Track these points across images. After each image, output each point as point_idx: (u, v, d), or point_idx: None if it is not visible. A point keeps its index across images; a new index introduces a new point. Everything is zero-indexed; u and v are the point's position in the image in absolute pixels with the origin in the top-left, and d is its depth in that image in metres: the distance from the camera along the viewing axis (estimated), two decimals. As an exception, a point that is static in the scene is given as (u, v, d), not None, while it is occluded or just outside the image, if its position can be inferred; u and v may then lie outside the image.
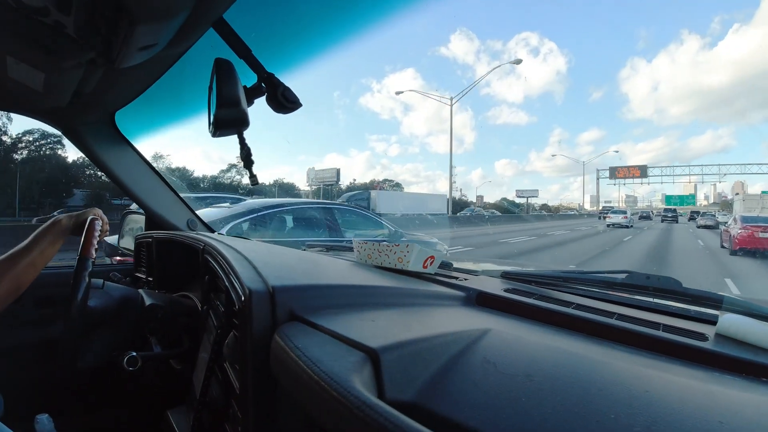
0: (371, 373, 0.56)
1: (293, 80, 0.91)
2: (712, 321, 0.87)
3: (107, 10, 0.77)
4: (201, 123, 1.65)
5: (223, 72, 0.79)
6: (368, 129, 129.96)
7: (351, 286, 0.89)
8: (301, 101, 0.90)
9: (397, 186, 62.42)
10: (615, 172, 75.58)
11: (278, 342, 0.67)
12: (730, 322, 0.81)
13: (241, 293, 0.78)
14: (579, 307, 0.95)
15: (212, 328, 1.02)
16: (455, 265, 1.37)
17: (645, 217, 43.53)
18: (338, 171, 50.83)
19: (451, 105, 34.73)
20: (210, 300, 1.13)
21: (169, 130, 1.96)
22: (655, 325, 0.84)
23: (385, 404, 0.45)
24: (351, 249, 1.60)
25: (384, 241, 1.25)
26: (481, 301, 1.01)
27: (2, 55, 1.04)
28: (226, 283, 0.92)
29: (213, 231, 1.96)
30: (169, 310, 1.28)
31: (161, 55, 0.97)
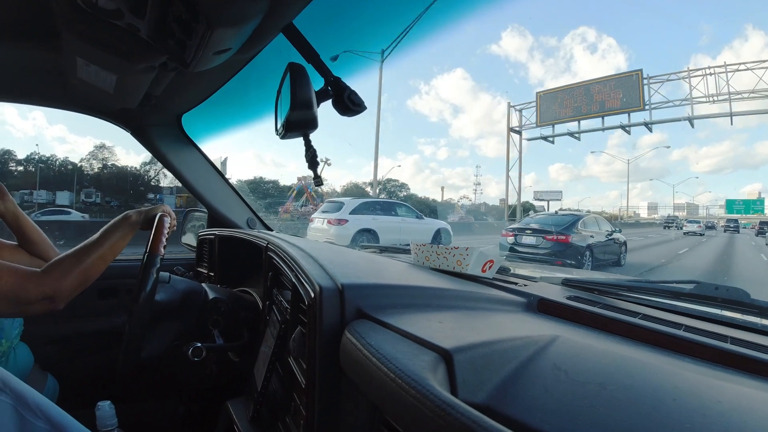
0: (444, 373, 0.56)
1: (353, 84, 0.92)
2: None
3: (183, 15, 0.80)
4: (262, 125, 1.73)
5: (297, 76, 0.82)
6: (416, 132, 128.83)
7: (415, 287, 0.90)
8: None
9: (403, 187, 57.74)
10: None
11: (349, 338, 0.68)
12: None
13: (310, 290, 0.81)
14: (646, 317, 0.92)
15: (276, 322, 1.05)
16: (512, 270, 1.36)
17: (710, 227, 42.26)
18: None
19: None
20: (272, 296, 1.17)
21: (231, 132, 2.04)
22: (723, 338, 0.83)
23: (466, 405, 0.45)
24: (403, 251, 1.62)
25: (441, 244, 1.25)
26: (543, 307, 1.00)
27: (72, 57, 1.09)
28: (293, 280, 0.94)
29: (271, 229, 2.02)
30: (231, 304, 1.33)
31: (231, 60, 1.00)
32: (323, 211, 10.58)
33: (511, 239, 8.83)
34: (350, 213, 10.00)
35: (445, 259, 1.20)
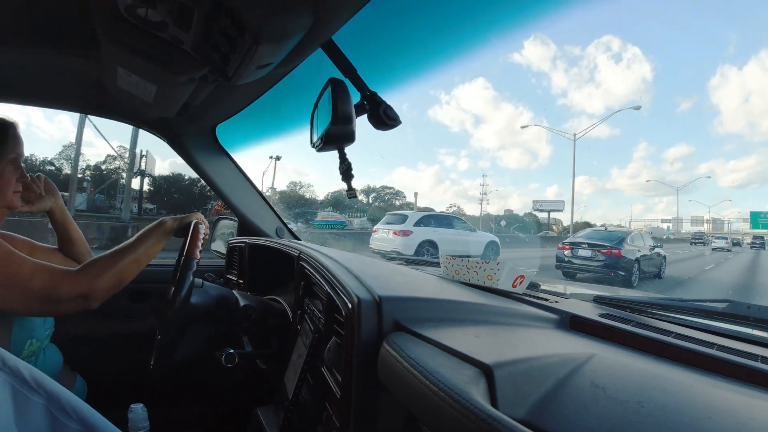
0: (485, 387, 0.57)
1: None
2: None
3: (228, 29, 0.82)
4: (292, 136, 1.76)
5: (339, 91, 0.83)
6: (437, 142, 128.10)
7: (450, 301, 0.90)
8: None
9: (398, 194, 55.37)
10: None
11: (388, 350, 0.69)
12: None
13: (347, 301, 0.82)
14: (678, 336, 0.93)
15: (308, 332, 1.06)
16: (542, 286, 1.36)
17: (736, 243, 40.97)
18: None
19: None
20: (304, 305, 1.18)
21: (262, 143, 2.08)
22: (755, 357, 0.83)
23: (511, 419, 0.46)
24: (429, 263, 1.63)
25: (470, 257, 1.25)
26: (576, 325, 1.00)
27: (113, 66, 1.12)
28: (328, 291, 0.96)
29: (299, 239, 2.04)
30: (261, 312, 1.35)
31: (270, 73, 1.03)
32: (387, 223, 11.33)
33: (568, 252, 9.50)
34: (414, 225, 10.75)
35: (475, 273, 1.19)
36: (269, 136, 1.97)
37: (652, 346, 0.89)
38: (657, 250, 10.48)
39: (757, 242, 38.22)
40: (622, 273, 8.68)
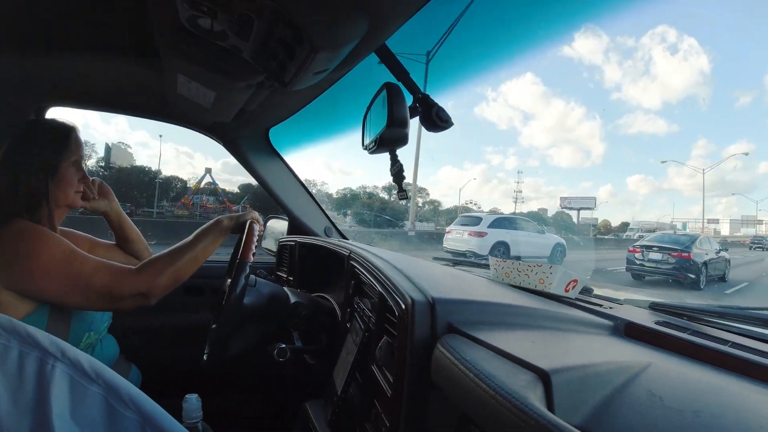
0: (542, 393, 0.57)
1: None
2: None
3: (287, 38, 0.84)
4: (343, 137, 1.79)
5: (394, 94, 0.84)
6: (484, 140, 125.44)
7: (503, 305, 0.90)
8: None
9: (421, 191, 51.70)
10: None
11: (443, 352, 0.70)
12: None
13: (401, 302, 0.83)
14: (735, 345, 0.91)
15: (358, 330, 1.08)
16: (595, 291, 1.33)
17: None
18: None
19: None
20: (354, 303, 1.20)
21: (313, 144, 2.14)
22: None
23: (571, 426, 0.46)
24: (477, 265, 1.62)
25: (520, 260, 1.24)
26: (630, 332, 0.98)
27: (173, 74, 1.17)
28: (380, 290, 0.97)
29: (346, 239, 2.08)
30: (311, 309, 1.38)
31: (324, 78, 1.06)
32: (462, 224, 11.87)
33: (639, 255, 9.85)
34: (488, 227, 11.33)
35: (526, 276, 1.18)
36: (320, 138, 2.03)
37: (709, 356, 0.87)
38: (722, 254, 10.77)
39: None
40: (692, 276, 9.06)
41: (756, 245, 35.43)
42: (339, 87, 1.26)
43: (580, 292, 1.21)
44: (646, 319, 1.05)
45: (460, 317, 0.80)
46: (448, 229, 12.41)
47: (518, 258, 10.63)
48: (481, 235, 11.20)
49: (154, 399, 0.70)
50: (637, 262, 9.90)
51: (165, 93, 1.36)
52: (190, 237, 1.27)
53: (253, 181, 1.99)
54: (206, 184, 31.70)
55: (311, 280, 1.75)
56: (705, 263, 9.52)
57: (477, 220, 11.78)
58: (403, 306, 0.81)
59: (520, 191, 62.51)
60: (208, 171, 33.32)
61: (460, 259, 1.76)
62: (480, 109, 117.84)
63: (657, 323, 1.02)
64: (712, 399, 0.63)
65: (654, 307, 1.18)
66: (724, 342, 0.92)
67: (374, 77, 0.93)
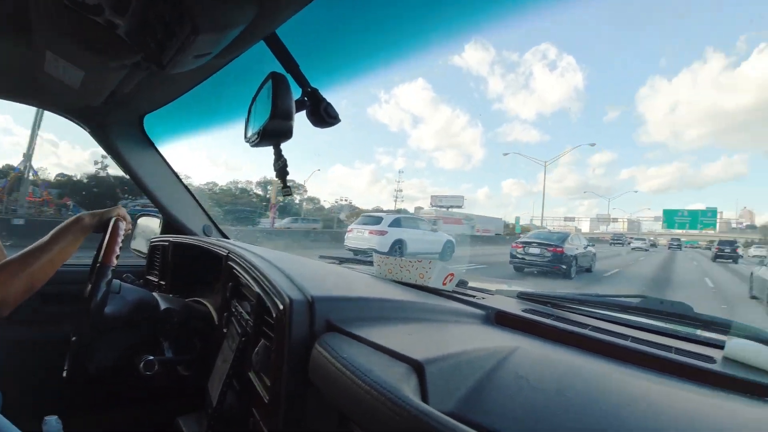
0: (416, 383, 0.58)
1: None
2: (719, 345, 0.94)
3: (167, 16, 0.78)
4: (225, 129, 1.68)
5: (279, 85, 0.81)
6: (375, 141, 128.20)
7: (383, 300, 0.91)
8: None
9: (299, 188, 50.43)
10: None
11: (320, 351, 0.68)
12: (737, 346, 0.88)
13: (279, 302, 0.80)
14: (595, 329, 1.00)
15: (235, 335, 1.02)
16: (470, 283, 1.41)
17: (653, 244, 45.63)
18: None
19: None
20: (231, 307, 1.14)
21: (193, 135, 1.98)
22: (668, 348, 0.90)
23: (441, 413, 0.47)
24: (363, 262, 1.64)
25: (403, 257, 1.28)
26: (500, 320, 1.05)
27: (41, 51, 1.04)
28: (258, 291, 0.93)
29: (227, 237, 1.97)
30: (184, 315, 1.29)
31: (207, 64, 0.99)
32: (363, 223, 12.46)
33: (520, 250, 11.08)
34: (388, 226, 12.03)
35: (408, 271, 1.23)
36: (201, 129, 1.87)
37: (571, 339, 0.95)
38: (589, 248, 12.66)
39: (675, 243, 42.53)
40: (564, 267, 10.45)
41: (615, 242, 41.87)
42: (226, 75, 1.19)
43: (457, 285, 1.28)
44: (514, 307, 1.13)
45: (340, 315, 0.79)
46: (349, 227, 12.93)
47: (414, 254, 11.44)
48: (381, 233, 11.81)
49: (18, 421, 0.60)
50: (519, 256, 11.14)
51: (30, 72, 1.19)
52: (46, 237, 1.14)
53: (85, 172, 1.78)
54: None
55: (186, 284, 1.63)
56: (575, 256, 10.95)
57: (378, 220, 12.36)
58: (281, 306, 0.79)
59: (401, 190, 65.06)
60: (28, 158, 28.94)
61: (347, 257, 1.76)
62: (373, 109, 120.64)
63: (524, 311, 1.10)
64: (573, 378, 0.68)
65: (522, 296, 1.27)
66: (585, 326, 1.02)
67: (265, 68, 0.89)
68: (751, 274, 8.67)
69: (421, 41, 1.11)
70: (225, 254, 1.28)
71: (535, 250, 10.86)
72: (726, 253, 24.37)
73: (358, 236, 12.15)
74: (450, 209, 50.79)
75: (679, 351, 0.90)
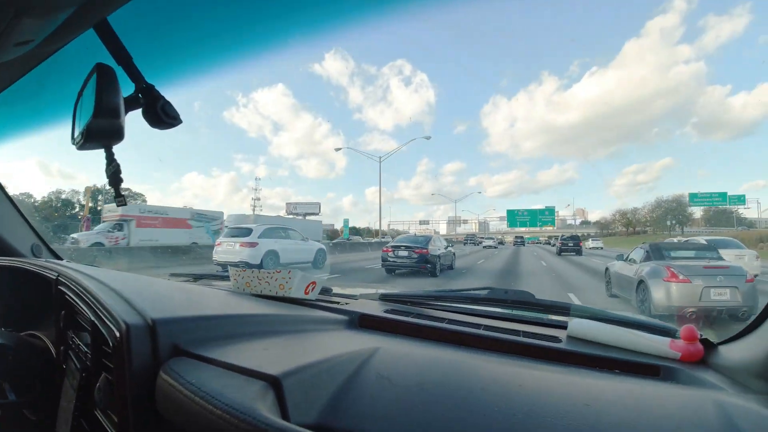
0: (274, 399, 0.56)
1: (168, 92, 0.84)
2: (562, 326, 1.05)
3: None
4: (54, 130, 1.43)
5: (104, 78, 0.71)
6: (234, 147, 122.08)
7: (236, 316, 0.86)
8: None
9: (137, 196, 48.15)
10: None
11: (166, 380, 0.62)
12: (577, 325, 1.01)
13: (114, 329, 0.71)
14: (451, 321, 1.07)
15: (74, 371, 0.90)
16: (334, 290, 1.43)
17: (500, 242, 51.20)
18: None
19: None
20: (67, 339, 1.01)
21: (15, 137, 1.65)
22: (516, 333, 1.00)
23: (298, 427, 0.47)
24: (221, 277, 1.58)
25: (262, 269, 1.24)
26: (364, 323, 1.08)
27: None
28: (92, 319, 0.82)
29: (60, 258, 1.71)
30: (20, 352, 1.12)
31: (30, 53, 0.84)
32: (231, 236, 11.94)
33: (391, 253, 11.74)
34: (259, 237, 11.65)
35: (267, 283, 1.19)
36: (25, 130, 1.58)
37: (430, 333, 1.01)
38: (449, 248, 13.67)
39: (519, 240, 48.95)
40: (430, 266, 11.28)
41: (469, 241, 46.60)
42: (52, 67, 1.02)
43: (320, 293, 1.28)
44: (377, 309, 1.17)
45: (188, 336, 0.73)
46: (218, 241, 12.39)
47: (286, 265, 11.55)
48: (252, 245, 11.40)
49: None
50: (390, 260, 11.74)
51: None
52: None
53: None
54: None
55: (18, 315, 1.39)
56: (439, 256, 11.81)
57: (247, 231, 11.93)
58: (118, 333, 0.69)
59: (258, 198, 63.43)
60: None
61: (203, 273, 1.67)
62: (230, 113, 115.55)
63: (386, 312, 1.14)
64: (433, 370, 0.71)
65: (383, 298, 1.32)
66: (442, 320, 1.08)
67: (98, 60, 0.77)
68: (606, 270, 7.85)
69: (278, 41, 1.06)
70: (54, 278, 1.12)
71: (404, 253, 11.54)
72: (570, 246, 25.48)
73: (227, 250, 11.63)
74: (306, 217, 51.02)
75: (527, 334, 0.99)
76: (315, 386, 0.61)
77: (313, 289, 1.21)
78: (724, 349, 0.90)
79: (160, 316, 0.72)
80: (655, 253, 6.31)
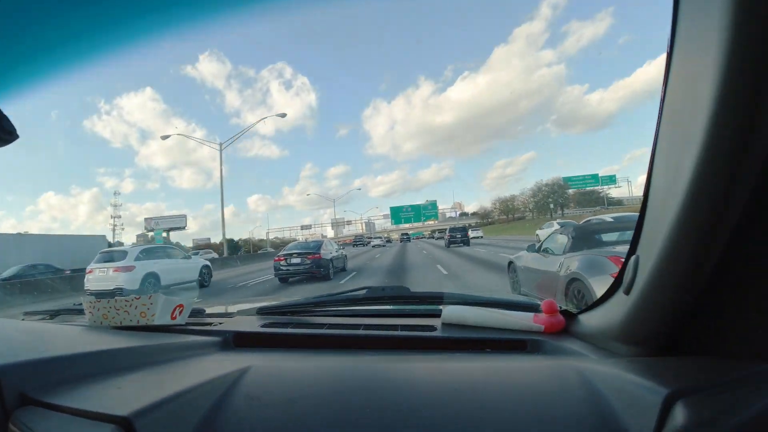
0: None
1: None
2: (437, 314, 1.09)
3: None
4: None
5: None
6: (95, 160, 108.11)
7: (90, 354, 0.79)
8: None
9: None
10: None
11: None
12: (450, 311, 1.05)
13: None
14: (331, 326, 1.07)
15: None
16: (207, 310, 1.35)
17: (388, 240, 54.89)
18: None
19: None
20: None
21: None
22: (395, 327, 1.03)
23: None
24: (78, 311, 1.38)
25: (122, 297, 1.12)
26: (239, 341, 1.03)
27: None
28: None
29: None
30: None
31: None
32: (104, 261, 10.81)
33: (283, 262, 11.67)
34: (135, 260, 10.63)
35: (126, 313, 1.09)
36: None
37: (309, 342, 1.00)
38: (341, 251, 14.20)
39: (405, 237, 51.37)
40: (323, 270, 11.47)
41: (358, 243, 48.97)
42: None
43: (191, 315, 1.19)
44: (253, 324, 1.13)
45: (36, 382, 0.67)
46: (88, 268, 10.98)
47: (169, 286, 10.86)
48: (128, 269, 10.41)
49: None
50: (282, 268, 11.68)
51: None
52: None
53: None
54: None
55: None
56: (331, 260, 12.15)
57: (122, 254, 10.85)
58: None
59: (119, 216, 55.93)
60: None
61: (60, 309, 1.49)
62: (91, 122, 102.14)
63: (263, 326, 1.11)
64: (307, 382, 0.71)
65: (261, 311, 1.27)
66: (322, 326, 1.07)
67: None
68: (510, 264, 6.41)
69: (146, 39, 0.89)
70: None
71: (296, 260, 11.57)
72: (458, 238, 25.51)
73: (100, 277, 10.43)
74: (170, 232, 45.40)
75: (404, 327, 1.03)
76: (175, 421, 0.59)
77: (181, 312, 1.12)
78: (584, 318, 0.95)
79: (3, 363, 0.66)
80: (583, 237, 4.59)
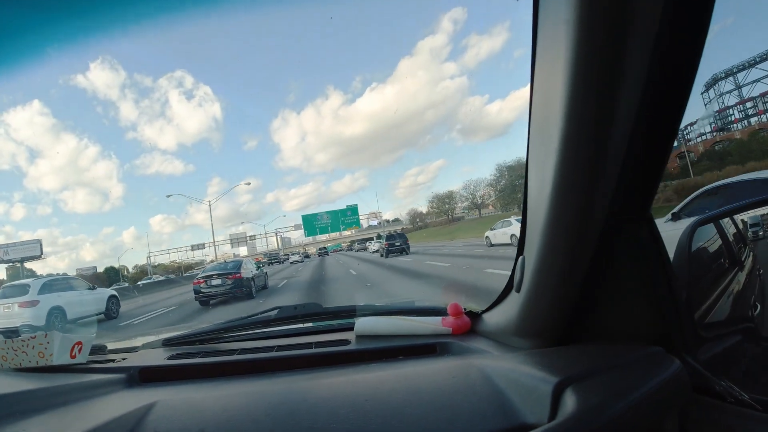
0: None
1: None
2: (351, 327, 1.10)
3: None
4: None
5: None
6: None
7: None
8: None
9: None
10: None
11: None
12: (362, 323, 1.07)
13: None
14: (243, 351, 1.05)
15: None
16: (110, 346, 1.29)
17: (306, 255, 52.28)
18: None
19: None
20: None
21: None
22: (309, 345, 1.02)
23: None
24: None
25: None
26: (146, 376, 0.99)
27: None
28: None
29: None
30: None
31: None
32: (5, 297, 10.10)
33: (203, 284, 11.46)
34: (38, 294, 10.02)
35: (24, 354, 1.04)
36: None
37: (219, 370, 0.97)
38: (261, 269, 14.32)
39: (322, 251, 49.81)
40: (246, 289, 11.41)
41: (273, 260, 45.61)
42: None
43: (91, 353, 1.14)
44: (160, 357, 1.09)
45: None
46: None
47: (75, 320, 10.17)
48: (33, 304, 9.75)
49: None
50: (203, 291, 11.49)
51: None
52: None
53: None
54: None
55: None
56: (252, 278, 12.09)
57: (24, 289, 10.14)
58: None
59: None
60: None
61: None
62: None
63: (170, 358, 1.07)
64: (216, 410, 0.69)
65: (167, 342, 1.21)
66: (233, 352, 1.05)
67: None
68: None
69: (30, 49, 0.85)
70: None
71: (217, 281, 11.43)
72: (397, 246, 22.36)
73: (4, 314, 9.74)
74: (24, 262, 36.83)
75: (319, 344, 1.03)
76: None
77: (80, 350, 1.08)
78: (486, 317, 0.99)
79: None
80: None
